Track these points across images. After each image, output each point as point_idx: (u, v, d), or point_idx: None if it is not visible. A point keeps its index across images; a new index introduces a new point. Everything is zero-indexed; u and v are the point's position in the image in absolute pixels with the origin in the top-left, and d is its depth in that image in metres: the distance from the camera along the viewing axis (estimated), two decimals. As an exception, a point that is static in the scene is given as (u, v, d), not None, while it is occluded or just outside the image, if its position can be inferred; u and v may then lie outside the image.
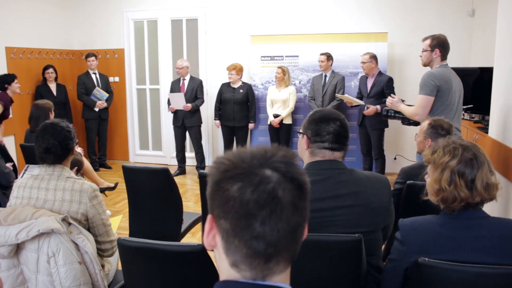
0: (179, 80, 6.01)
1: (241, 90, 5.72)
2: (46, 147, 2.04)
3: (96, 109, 6.31)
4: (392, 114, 3.68)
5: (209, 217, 0.82)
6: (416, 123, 3.41)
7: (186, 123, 5.92)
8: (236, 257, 0.78)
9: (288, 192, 0.76)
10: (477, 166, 1.52)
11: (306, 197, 0.80)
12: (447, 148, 1.58)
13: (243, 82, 5.81)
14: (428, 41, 3.34)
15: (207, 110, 6.62)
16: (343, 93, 5.39)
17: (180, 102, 5.71)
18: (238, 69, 5.69)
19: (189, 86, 5.91)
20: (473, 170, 1.51)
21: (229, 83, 5.79)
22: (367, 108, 5.01)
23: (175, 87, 5.98)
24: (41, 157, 2.07)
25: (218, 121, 5.91)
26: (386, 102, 3.61)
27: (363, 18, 5.98)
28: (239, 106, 5.72)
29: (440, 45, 3.31)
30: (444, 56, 3.33)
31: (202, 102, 5.96)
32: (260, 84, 6.12)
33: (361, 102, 5.04)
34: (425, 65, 3.40)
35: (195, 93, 5.88)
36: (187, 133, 6.10)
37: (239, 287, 0.79)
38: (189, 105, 5.72)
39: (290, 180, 0.77)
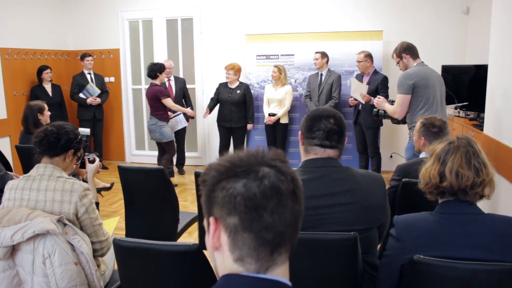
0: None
1: (238, 91, 5.65)
2: (44, 134, 2.06)
3: (89, 104, 6.22)
4: (382, 114, 3.89)
5: (211, 220, 0.84)
6: (404, 121, 3.68)
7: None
8: (243, 251, 0.81)
9: (287, 184, 0.82)
10: (451, 153, 1.57)
11: (300, 189, 0.86)
12: (444, 140, 1.65)
13: (240, 82, 5.74)
14: (393, 55, 3.70)
15: (203, 110, 6.61)
16: (339, 92, 5.39)
17: (183, 123, 5.71)
18: (236, 69, 5.62)
19: (176, 86, 5.87)
20: (446, 157, 1.57)
21: (226, 83, 5.73)
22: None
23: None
24: (35, 142, 2.09)
25: (207, 110, 5.76)
26: (374, 102, 3.82)
27: (358, 16, 5.99)
28: (236, 107, 5.65)
29: (404, 49, 3.58)
30: (414, 56, 3.57)
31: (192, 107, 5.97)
32: (256, 83, 6.11)
33: (363, 85, 4.98)
34: (405, 70, 3.61)
35: (183, 92, 5.85)
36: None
37: (240, 281, 0.82)
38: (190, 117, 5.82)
39: (285, 174, 0.83)
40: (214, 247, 0.85)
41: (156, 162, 5.80)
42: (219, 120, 5.80)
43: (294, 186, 0.84)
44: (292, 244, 0.85)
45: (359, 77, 5.29)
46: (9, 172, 3.29)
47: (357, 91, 4.95)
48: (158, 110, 5.34)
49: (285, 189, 0.82)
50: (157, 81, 5.31)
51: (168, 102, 5.34)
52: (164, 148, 5.51)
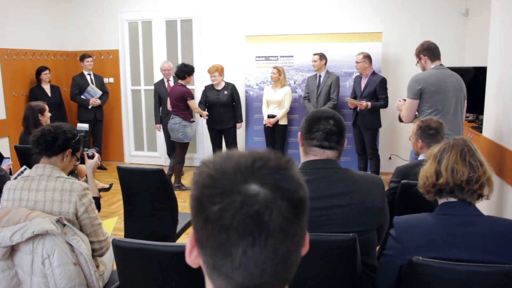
0: (162, 81, 5.92)
1: (226, 92, 5.59)
2: (41, 133, 2.08)
3: (90, 107, 6.26)
4: None
5: (191, 234, 0.70)
6: None
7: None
8: (221, 285, 0.67)
9: (277, 214, 0.63)
10: (446, 151, 1.62)
11: (301, 216, 0.66)
12: (442, 142, 1.69)
13: (226, 83, 5.67)
14: (414, 54, 3.53)
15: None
16: (337, 94, 5.41)
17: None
18: (220, 70, 5.56)
19: None
20: (442, 156, 1.62)
21: (212, 85, 5.65)
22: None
23: (161, 89, 5.88)
24: (33, 141, 2.10)
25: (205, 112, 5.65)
26: (396, 106, 3.75)
27: (357, 18, 6.00)
28: (225, 108, 5.60)
29: (423, 50, 3.44)
30: (433, 58, 3.42)
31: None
32: (255, 85, 6.11)
33: (362, 103, 5.02)
34: (423, 71, 3.48)
35: None
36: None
37: None
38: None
39: (282, 197, 0.64)
40: (194, 263, 0.71)
41: (157, 163, 5.79)
42: (210, 122, 5.74)
43: (292, 214, 0.64)
44: (284, 282, 0.68)
45: (358, 79, 5.30)
46: (5, 158, 3.31)
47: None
48: (184, 110, 5.35)
49: (272, 221, 0.62)
50: (183, 82, 5.32)
51: (193, 104, 5.39)
52: (175, 147, 5.49)
